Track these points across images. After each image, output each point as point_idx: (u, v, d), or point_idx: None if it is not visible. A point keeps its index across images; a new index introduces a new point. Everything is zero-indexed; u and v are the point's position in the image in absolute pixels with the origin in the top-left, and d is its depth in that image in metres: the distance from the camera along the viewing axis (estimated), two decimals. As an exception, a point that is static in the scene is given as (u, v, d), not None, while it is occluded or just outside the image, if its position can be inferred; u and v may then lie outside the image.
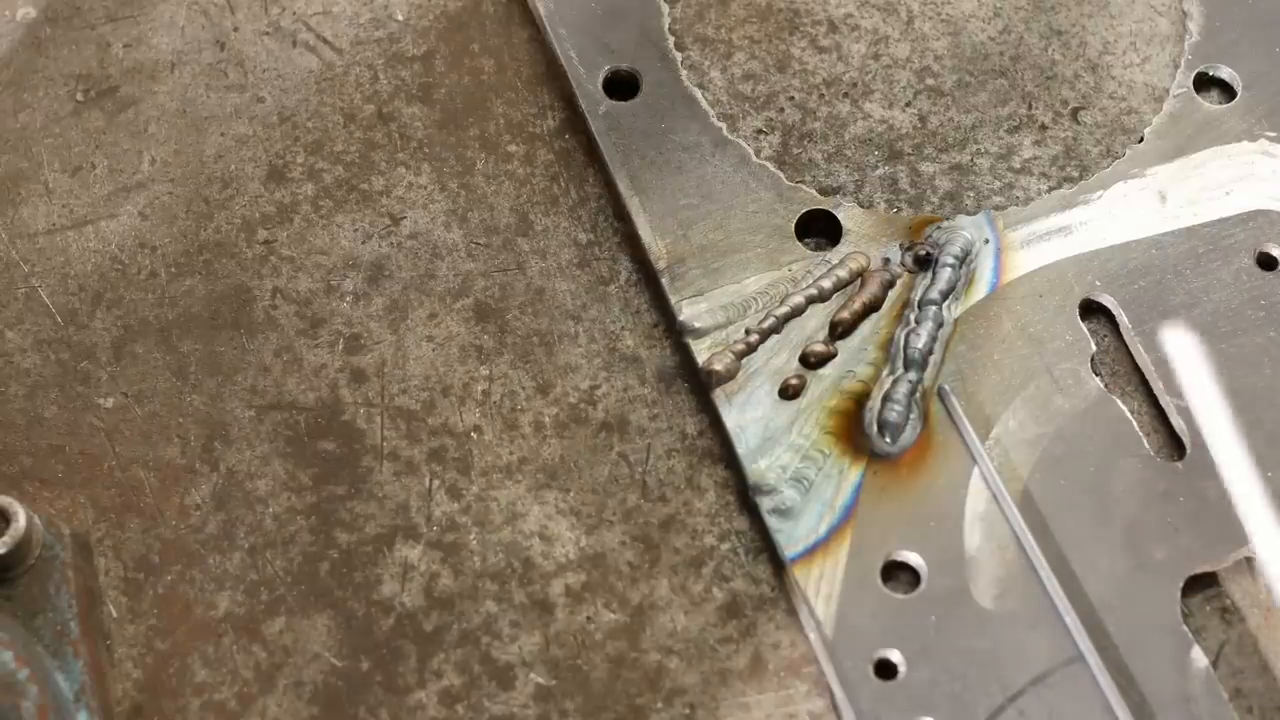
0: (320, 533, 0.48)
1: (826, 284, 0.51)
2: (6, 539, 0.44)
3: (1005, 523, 0.47)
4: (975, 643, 0.45)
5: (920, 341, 0.49)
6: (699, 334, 0.50)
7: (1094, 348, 0.50)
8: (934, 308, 0.50)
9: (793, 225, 0.52)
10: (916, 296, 0.51)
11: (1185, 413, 0.49)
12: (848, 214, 0.52)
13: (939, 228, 0.52)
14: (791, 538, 0.47)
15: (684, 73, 0.56)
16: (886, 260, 0.52)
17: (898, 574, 0.47)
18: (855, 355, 0.50)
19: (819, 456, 0.48)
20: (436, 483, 0.49)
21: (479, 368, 0.51)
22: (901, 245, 0.52)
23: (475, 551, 0.48)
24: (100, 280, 0.53)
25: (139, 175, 0.55)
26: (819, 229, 0.53)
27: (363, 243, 0.53)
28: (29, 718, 0.42)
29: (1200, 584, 0.47)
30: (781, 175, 0.53)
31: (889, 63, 0.57)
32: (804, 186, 0.53)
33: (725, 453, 0.49)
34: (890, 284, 0.51)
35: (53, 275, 0.53)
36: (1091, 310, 0.51)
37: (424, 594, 0.47)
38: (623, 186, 0.53)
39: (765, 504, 0.47)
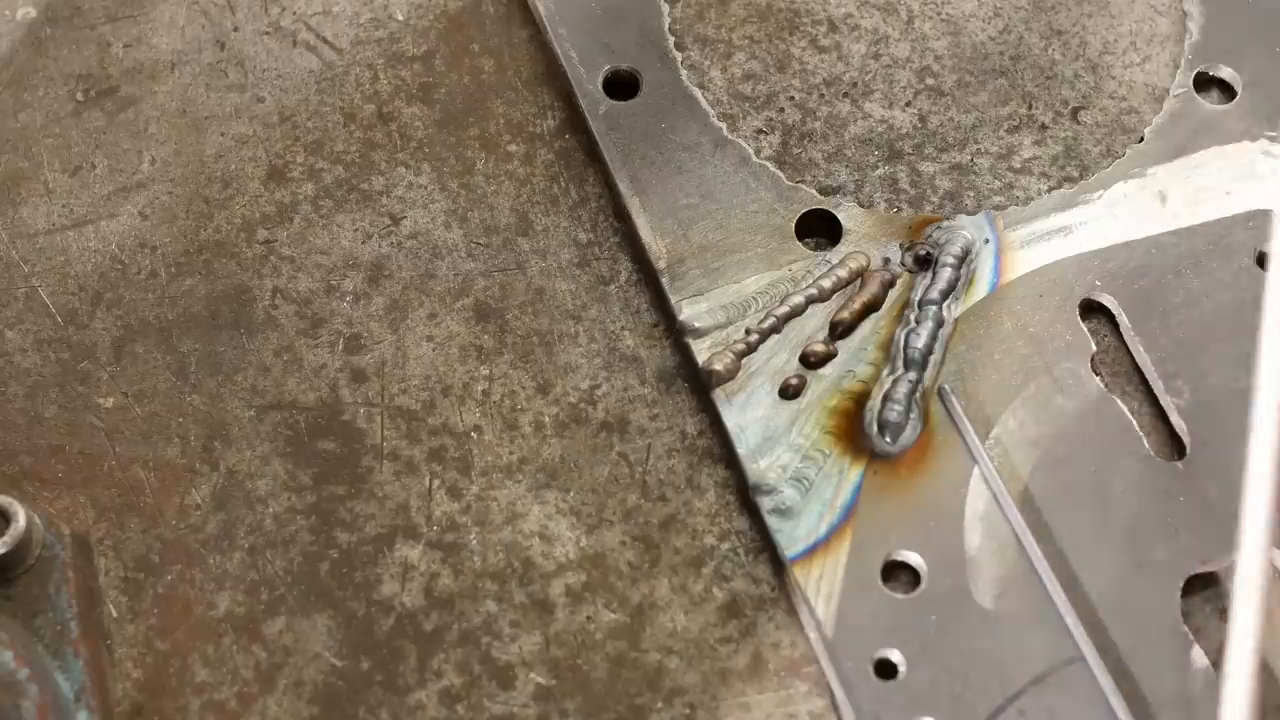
0: (320, 533, 0.48)
1: (826, 284, 0.51)
2: (6, 539, 0.44)
3: (1005, 523, 0.47)
4: (975, 643, 0.45)
5: (920, 341, 0.50)
6: (699, 334, 0.50)
7: (1094, 348, 0.50)
8: (934, 307, 0.50)
9: (793, 225, 0.52)
10: (916, 296, 0.51)
11: (1185, 413, 0.49)
12: (848, 214, 0.52)
13: (939, 227, 0.52)
14: (791, 538, 0.47)
15: (684, 73, 0.56)
16: (886, 260, 0.52)
17: (898, 574, 0.47)
18: (855, 355, 0.50)
19: (819, 456, 0.48)
20: (436, 483, 0.49)
21: (479, 367, 0.51)
22: (901, 245, 0.52)
23: (475, 551, 0.48)
24: (100, 280, 0.53)
25: (139, 175, 0.55)
26: (819, 229, 0.53)
27: (363, 242, 0.53)
28: (29, 718, 0.42)
29: (1200, 584, 0.47)
30: (781, 175, 0.53)
31: (889, 63, 0.57)
32: (804, 186, 0.53)
33: (725, 453, 0.49)
34: (890, 284, 0.51)
35: (53, 275, 0.53)
36: (1091, 310, 0.51)
37: (424, 594, 0.47)
38: (623, 186, 0.53)
39: (765, 504, 0.47)
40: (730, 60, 0.57)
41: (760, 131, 0.56)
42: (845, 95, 0.56)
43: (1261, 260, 0.51)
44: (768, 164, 0.54)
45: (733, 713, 0.46)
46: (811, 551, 0.47)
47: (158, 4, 0.58)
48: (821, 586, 0.46)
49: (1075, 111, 0.56)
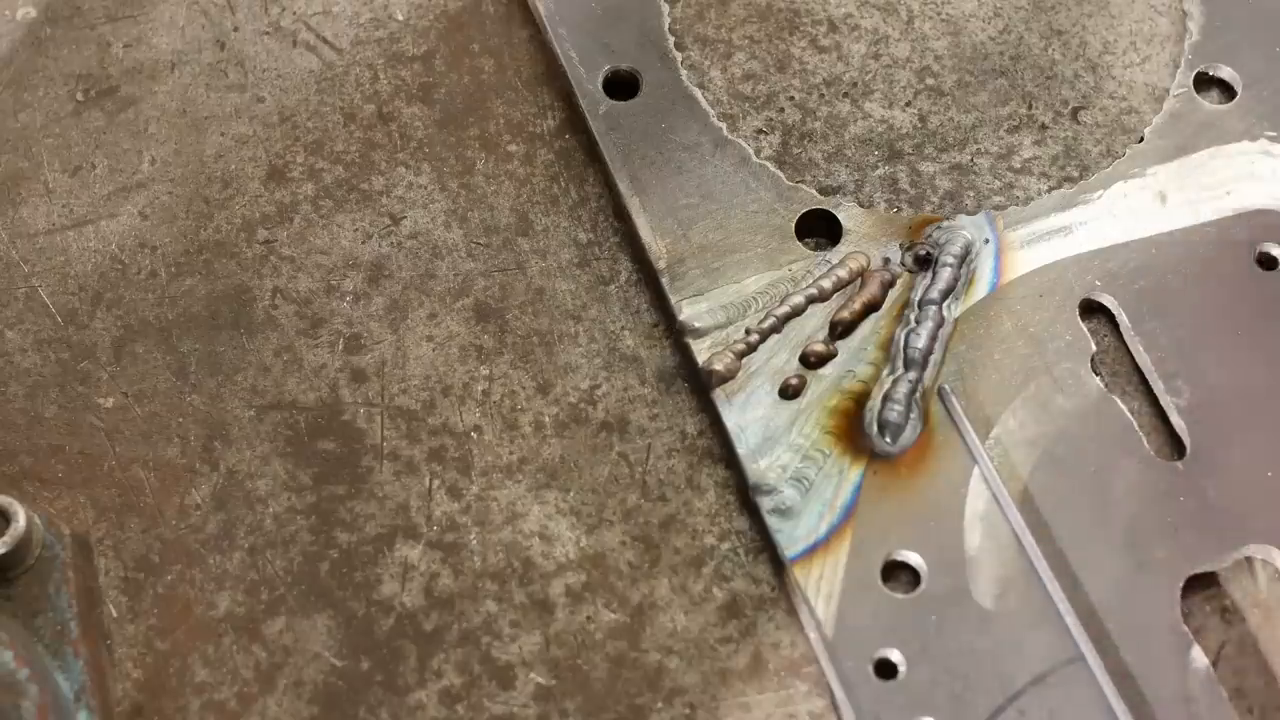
0: (320, 533, 0.48)
1: (826, 284, 0.51)
2: (6, 539, 0.44)
3: (1005, 523, 0.47)
4: (975, 643, 0.45)
5: (920, 341, 0.50)
6: (699, 334, 0.50)
7: (1094, 348, 0.50)
8: (934, 307, 0.50)
9: (793, 225, 0.52)
10: (916, 296, 0.51)
11: (1185, 413, 0.49)
12: (848, 214, 0.52)
13: (939, 227, 0.52)
14: (791, 538, 0.47)
15: (684, 73, 0.56)
16: (886, 260, 0.52)
17: (898, 574, 0.47)
18: (855, 355, 0.50)
19: (819, 456, 0.48)
20: (436, 483, 0.49)
21: (479, 367, 0.51)
22: (901, 245, 0.52)
23: (475, 551, 0.48)
24: (100, 280, 0.53)
25: (139, 175, 0.55)
26: (819, 229, 0.53)
27: (363, 242, 0.53)
28: (29, 718, 0.42)
29: (1200, 584, 0.47)
30: (781, 175, 0.53)
31: (889, 63, 0.57)
32: (804, 186, 0.53)
33: (725, 453, 0.49)
34: (890, 284, 0.51)
35: (53, 275, 0.53)
36: (1091, 310, 0.51)
37: (424, 594, 0.47)
38: (623, 186, 0.53)
39: (765, 504, 0.47)
40: (730, 60, 0.57)
41: (760, 131, 0.56)
42: (845, 95, 0.56)
43: (1262, 260, 0.51)
44: (768, 164, 0.54)
45: (733, 713, 0.46)
46: (811, 551, 0.47)
47: (158, 4, 0.58)
48: (821, 586, 0.46)
49: (1075, 111, 0.56)
